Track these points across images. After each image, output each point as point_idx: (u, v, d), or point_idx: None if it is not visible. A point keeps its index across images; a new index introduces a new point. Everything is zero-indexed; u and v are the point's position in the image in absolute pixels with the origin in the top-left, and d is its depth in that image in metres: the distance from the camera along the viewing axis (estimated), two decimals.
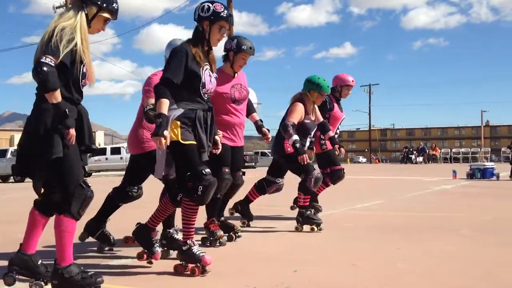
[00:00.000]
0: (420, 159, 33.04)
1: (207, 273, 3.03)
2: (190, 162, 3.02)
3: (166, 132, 2.86)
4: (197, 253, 3.04)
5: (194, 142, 3.05)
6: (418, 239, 4.24)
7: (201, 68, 3.09)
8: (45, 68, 2.44)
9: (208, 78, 3.14)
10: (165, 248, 3.58)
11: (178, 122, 3.03)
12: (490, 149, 41.35)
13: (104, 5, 2.69)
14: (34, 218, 2.65)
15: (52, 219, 2.67)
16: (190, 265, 3.04)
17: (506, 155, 28.89)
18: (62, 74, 2.54)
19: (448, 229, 4.77)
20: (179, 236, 3.54)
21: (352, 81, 5.66)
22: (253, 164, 32.27)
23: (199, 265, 3.01)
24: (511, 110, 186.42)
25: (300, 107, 4.72)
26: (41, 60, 2.45)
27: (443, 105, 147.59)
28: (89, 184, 2.66)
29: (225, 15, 3.17)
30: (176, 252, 3.31)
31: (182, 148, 3.02)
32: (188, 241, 3.08)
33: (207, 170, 3.03)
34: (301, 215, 4.70)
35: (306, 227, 4.66)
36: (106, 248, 3.81)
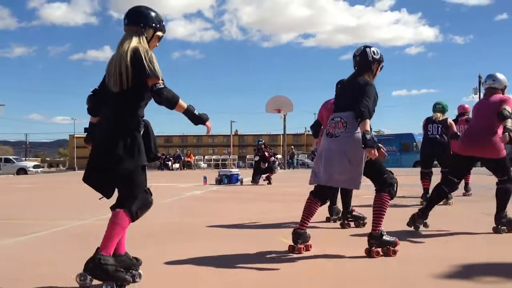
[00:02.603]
0: (177, 165, 34.33)
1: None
2: (385, 167, 3.95)
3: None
4: (390, 238, 3.80)
5: None
6: (164, 244, 4.36)
7: None
8: (161, 90, 2.80)
9: None
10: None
11: None
12: (237, 156, 45.56)
13: (158, 26, 3.09)
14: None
15: None
16: (381, 249, 3.76)
17: (250, 162, 32.20)
18: (139, 91, 2.88)
19: (194, 233, 5.04)
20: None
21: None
22: None
23: (395, 247, 3.78)
24: (256, 121, 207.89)
25: None
26: (157, 86, 2.80)
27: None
28: (152, 192, 2.94)
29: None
30: None
31: (379, 159, 3.79)
32: (380, 228, 3.77)
33: None
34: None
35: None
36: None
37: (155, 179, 18.53)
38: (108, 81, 2.93)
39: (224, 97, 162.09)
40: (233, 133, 78.54)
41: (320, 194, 3.98)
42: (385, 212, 3.84)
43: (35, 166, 36.16)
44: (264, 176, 14.13)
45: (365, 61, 3.89)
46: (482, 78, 46.07)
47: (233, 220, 6.09)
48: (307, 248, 3.99)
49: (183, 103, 2.89)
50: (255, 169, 14.47)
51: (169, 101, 2.83)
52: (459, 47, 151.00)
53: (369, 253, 3.76)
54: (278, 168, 16.36)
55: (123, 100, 2.89)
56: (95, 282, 2.84)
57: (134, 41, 2.93)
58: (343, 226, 5.44)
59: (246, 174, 16.58)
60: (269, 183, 13.83)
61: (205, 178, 14.32)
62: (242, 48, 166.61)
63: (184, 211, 7.49)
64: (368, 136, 3.48)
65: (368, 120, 3.53)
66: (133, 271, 2.99)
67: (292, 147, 40.44)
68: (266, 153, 14.24)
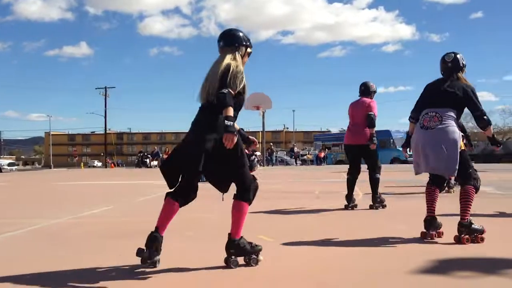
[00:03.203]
0: (155, 163, 34.11)
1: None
2: (471, 163, 4.44)
3: None
4: (478, 226, 4.18)
5: None
6: (141, 244, 4.32)
7: None
8: (221, 96, 3.17)
9: None
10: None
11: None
12: None
13: (249, 43, 3.59)
14: (173, 207, 3.37)
15: None
16: (469, 236, 4.13)
17: None
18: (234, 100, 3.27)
19: (174, 231, 5.00)
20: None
21: None
22: None
23: (482, 235, 4.16)
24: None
25: None
26: (222, 92, 3.17)
27: (177, 111, 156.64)
28: (256, 177, 3.49)
29: None
30: None
31: (466, 154, 4.45)
32: (468, 217, 4.17)
33: None
34: None
35: None
36: None
37: (132, 177, 18.37)
38: (204, 93, 3.38)
39: None
40: None
41: (436, 181, 4.48)
42: (471, 202, 4.22)
43: (9, 164, 35.48)
44: None
45: (458, 66, 4.38)
46: None
47: (211, 218, 6.07)
48: (439, 235, 4.37)
49: (229, 111, 3.14)
50: None
51: (221, 104, 3.17)
52: (435, 45, 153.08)
53: (459, 240, 4.15)
54: (258, 165, 16.37)
55: (212, 109, 3.30)
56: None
57: (228, 58, 3.40)
58: (371, 207, 6.63)
59: None
60: None
61: None
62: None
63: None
64: (496, 137, 4.52)
65: (491, 125, 4.35)
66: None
67: (271, 144, 40.51)
68: (246, 151, 14.24)
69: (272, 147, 39.84)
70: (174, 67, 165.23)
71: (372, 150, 6.65)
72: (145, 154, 35.93)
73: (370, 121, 6.59)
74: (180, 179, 3.38)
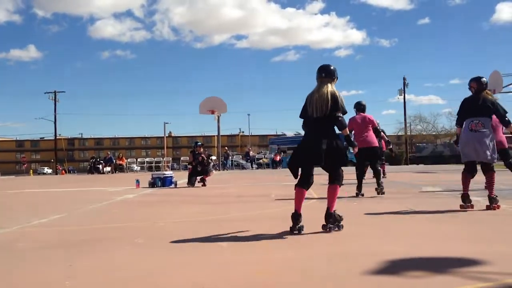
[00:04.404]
0: (108, 169, 33.31)
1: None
2: None
3: None
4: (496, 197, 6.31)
5: None
6: (92, 252, 4.20)
7: None
8: (341, 119, 4.91)
9: None
10: None
11: None
12: (171, 158, 45.01)
13: (337, 76, 5.11)
14: (302, 193, 4.89)
15: None
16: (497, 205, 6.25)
17: (185, 163, 31.86)
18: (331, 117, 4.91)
19: (124, 238, 4.90)
20: None
21: None
22: None
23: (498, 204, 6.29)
24: (190, 122, 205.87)
25: None
26: (340, 116, 4.89)
27: (131, 116, 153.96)
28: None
29: None
30: None
31: None
32: (494, 192, 6.27)
33: None
34: None
35: None
36: None
37: (84, 184, 17.86)
38: (314, 110, 4.88)
39: (157, 98, 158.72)
40: (167, 135, 77.47)
41: (470, 170, 6.39)
42: (494, 182, 6.30)
43: None
44: (198, 178, 14.01)
45: (482, 88, 6.35)
46: (406, 80, 48.68)
47: (165, 224, 5.99)
48: (472, 207, 6.29)
49: (347, 130, 5.09)
50: (192, 171, 14.26)
51: (342, 126, 4.95)
52: (385, 50, 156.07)
53: (490, 208, 6.23)
54: (213, 170, 16.25)
55: (326, 122, 4.87)
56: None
57: (330, 87, 4.93)
58: (378, 192, 8.67)
59: (181, 177, 16.37)
60: (204, 185, 13.74)
61: (137, 181, 13.99)
62: (174, 49, 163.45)
63: (114, 216, 7.27)
64: None
65: None
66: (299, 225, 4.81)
67: (226, 148, 40.44)
68: (204, 156, 14.11)
69: (228, 151, 39.78)
70: (126, 71, 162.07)
71: (375, 151, 8.89)
72: (98, 160, 35.02)
73: (381, 133, 9.15)
74: (300, 172, 4.90)
